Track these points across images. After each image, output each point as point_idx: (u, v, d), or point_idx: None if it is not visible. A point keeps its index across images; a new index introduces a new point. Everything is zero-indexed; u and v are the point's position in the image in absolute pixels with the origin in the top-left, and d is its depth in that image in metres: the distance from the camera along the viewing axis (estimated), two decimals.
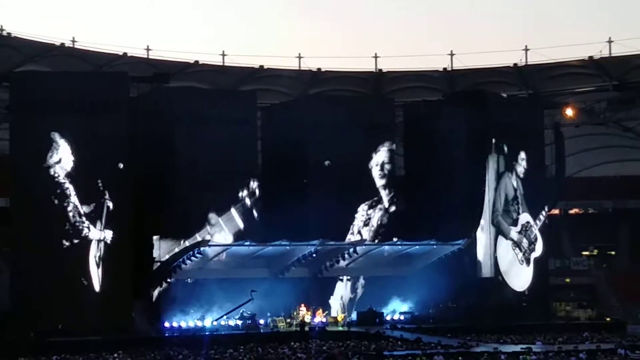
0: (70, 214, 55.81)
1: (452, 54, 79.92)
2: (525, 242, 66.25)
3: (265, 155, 66.43)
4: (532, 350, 42.13)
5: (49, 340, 48.97)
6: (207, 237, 58.86)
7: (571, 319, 68.18)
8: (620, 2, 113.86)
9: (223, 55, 78.53)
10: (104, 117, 56.78)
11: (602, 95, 75.81)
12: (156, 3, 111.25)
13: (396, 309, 63.47)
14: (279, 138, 64.76)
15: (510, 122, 65.50)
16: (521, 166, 66.51)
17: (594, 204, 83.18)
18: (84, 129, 56.56)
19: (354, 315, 61.05)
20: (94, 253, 56.09)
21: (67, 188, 55.91)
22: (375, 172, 65.29)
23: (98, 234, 56.14)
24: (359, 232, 64.17)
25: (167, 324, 57.07)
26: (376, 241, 63.45)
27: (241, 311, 57.79)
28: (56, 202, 55.77)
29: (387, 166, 65.47)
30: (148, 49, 76.03)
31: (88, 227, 55.97)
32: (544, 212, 67.74)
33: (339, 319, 60.36)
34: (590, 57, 76.48)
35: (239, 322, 57.19)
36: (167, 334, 55.01)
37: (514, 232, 65.79)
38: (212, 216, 60.09)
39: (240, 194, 60.80)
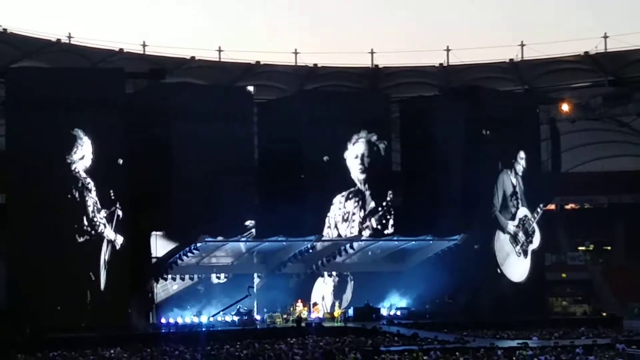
0: (90, 209, 55.90)
1: (448, 50, 79.92)
2: (522, 235, 66.45)
3: (262, 151, 66.41)
4: (528, 346, 42.26)
5: (45, 336, 48.93)
6: (204, 233, 58.95)
7: (567, 314, 68.27)
8: None
9: (219, 51, 78.52)
10: (100, 113, 56.73)
11: (597, 90, 75.80)
12: None
13: (393, 304, 63.59)
14: (275, 134, 64.75)
15: (506, 118, 65.53)
16: (520, 165, 66.65)
17: (589, 199, 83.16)
18: (80, 125, 56.50)
19: (350, 311, 61.09)
20: (104, 251, 56.21)
21: (89, 183, 56.08)
22: (354, 165, 65.15)
23: (106, 230, 56.27)
24: (336, 227, 63.92)
25: (163, 320, 57.14)
26: (364, 236, 63.16)
27: (238, 307, 57.85)
28: (69, 197, 55.76)
29: (366, 159, 65.26)
30: (144, 45, 75.93)
31: (104, 225, 56.12)
32: (540, 207, 67.84)
33: (336, 314, 60.43)
34: (586, 53, 76.50)
35: (236, 318, 57.25)
36: (163, 330, 55.06)
37: (511, 226, 65.96)
38: (208, 211, 60.09)
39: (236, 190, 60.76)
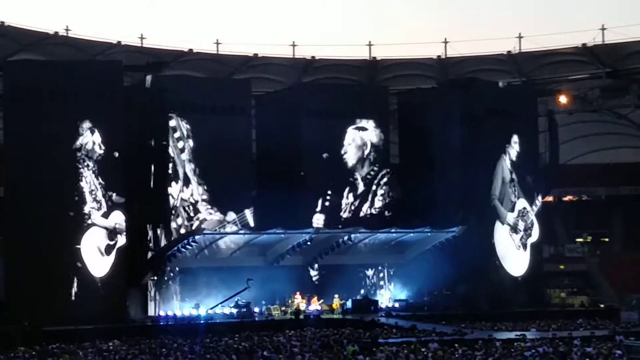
0: (87, 202, 55.82)
1: (446, 42, 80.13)
2: (521, 227, 66.42)
3: (260, 143, 66.40)
4: (526, 337, 42.28)
5: (44, 329, 48.91)
6: (202, 226, 58.98)
7: (565, 305, 68.34)
8: None
9: (217, 43, 78.62)
10: (98, 106, 56.66)
11: (595, 82, 75.91)
12: None
13: (391, 296, 63.64)
14: (273, 126, 64.72)
15: (504, 110, 65.48)
16: (514, 149, 66.52)
17: (587, 191, 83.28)
18: (78, 118, 56.44)
19: (349, 303, 61.12)
20: (98, 240, 56.07)
21: (86, 176, 55.91)
22: (352, 157, 64.97)
23: (105, 222, 56.17)
24: (334, 219, 63.74)
25: (162, 313, 57.17)
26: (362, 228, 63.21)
27: (236, 299, 57.87)
28: (67, 189, 55.65)
29: (364, 151, 64.94)
30: (142, 38, 76.17)
31: (102, 217, 56.08)
32: (539, 199, 67.86)
33: (334, 306, 60.46)
34: (584, 45, 76.68)
35: (234, 311, 57.22)
36: (162, 323, 55.08)
37: (510, 217, 65.92)
38: (206, 204, 60.12)
39: (234, 182, 60.76)
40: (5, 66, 59.66)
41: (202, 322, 54.38)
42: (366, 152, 65.05)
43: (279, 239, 59.54)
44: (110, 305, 54.95)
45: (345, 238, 60.66)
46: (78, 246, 55.54)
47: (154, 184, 59.04)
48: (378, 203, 65.18)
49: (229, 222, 59.92)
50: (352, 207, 64.41)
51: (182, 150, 59.83)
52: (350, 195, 64.45)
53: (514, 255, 66.00)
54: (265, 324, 53.90)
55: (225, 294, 57.96)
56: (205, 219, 59.94)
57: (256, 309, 58.42)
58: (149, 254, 58.64)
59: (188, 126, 59.85)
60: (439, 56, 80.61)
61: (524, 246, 66.55)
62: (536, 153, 69.21)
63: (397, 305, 62.34)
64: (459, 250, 61.28)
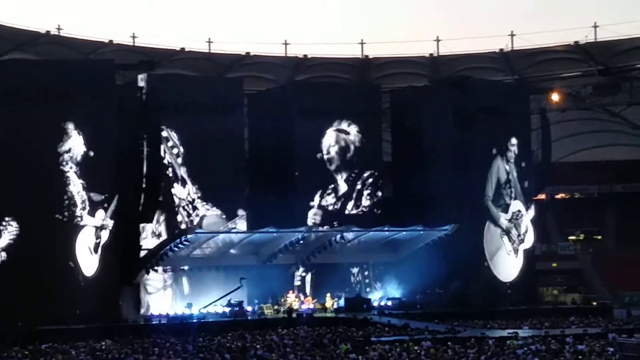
0: (79, 201, 55.53)
1: (438, 40, 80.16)
2: (514, 232, 66.17)
3: (252, 141, 66.36)
4: (519, 335, 42.29)
5: (36, 329, 48.76)
6: (202, 221, 59.03)
7: (558, 303, 68.33)
8: None
9: (209, 42, 78.54)
10: (89, 105, 56.47)
11: (587, 80, 75.94)
12: None
13: (384, 295, 63.64)
14: (266, 125, 64.71)
15: (497, 108, 65.47)
16: (511, 152, 66.51)
17: (580, 188, 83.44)
18: (70, 117, 56.24)
19: (341, 302, 61.10)
20: (88, 239, 55.89)
21: (79, 174, 55.66)
22: (344, 155, 64.97)
23: (93, 221, 55.94)
24: (327, 217, 63.89)
25: (154, 312, 57.07)
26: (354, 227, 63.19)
27: (229, 299, 57.81)
28: (59, 188, 55.24)
29: (357, 149, 65.12)
30: (134, 37, 76.08)
31: (94, 216, 55.86)
32: (531, 203, 67.72)
33: (327, 305, 60.44)
34: (576, 42, 76.73)
35: (227, 310, 57.18)
36: (154, 322, 54.95)
37: (503, 220, 65.72)
38: (199, 203, 60.10)
39: (227, 180, 60.72)
40: None
41: (194, 321, 54.27)
42: (349, 154, 64.96)
43: (272, 238, 59.49)
44: (102, 304, 54.74)
45: (338, 237, 60.62)
46: (69, 245, 55.25)
47: (146, 182, 58.82)
48: (370, 202, 65.17)
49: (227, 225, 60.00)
50: (338, 206, 64.42)
51: (177, 155, 59.91)
52: (336, 194, 64.50)
53: (503, 260, 65.44)
54: (258, 323, 53.84)
55: (218, 293, 57.92)
56: (205, 215, 60.02)
57: (249, 308, 58.40)
58: (141, 253, 58.49)
59: (177, 135, 59.83)
60: (431, 54, 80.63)
61: (516, 252, 66.19)
62: (529, 151, 69.21)
63: (389, 303, 62.31)
64: (452, 248, 61.22)
